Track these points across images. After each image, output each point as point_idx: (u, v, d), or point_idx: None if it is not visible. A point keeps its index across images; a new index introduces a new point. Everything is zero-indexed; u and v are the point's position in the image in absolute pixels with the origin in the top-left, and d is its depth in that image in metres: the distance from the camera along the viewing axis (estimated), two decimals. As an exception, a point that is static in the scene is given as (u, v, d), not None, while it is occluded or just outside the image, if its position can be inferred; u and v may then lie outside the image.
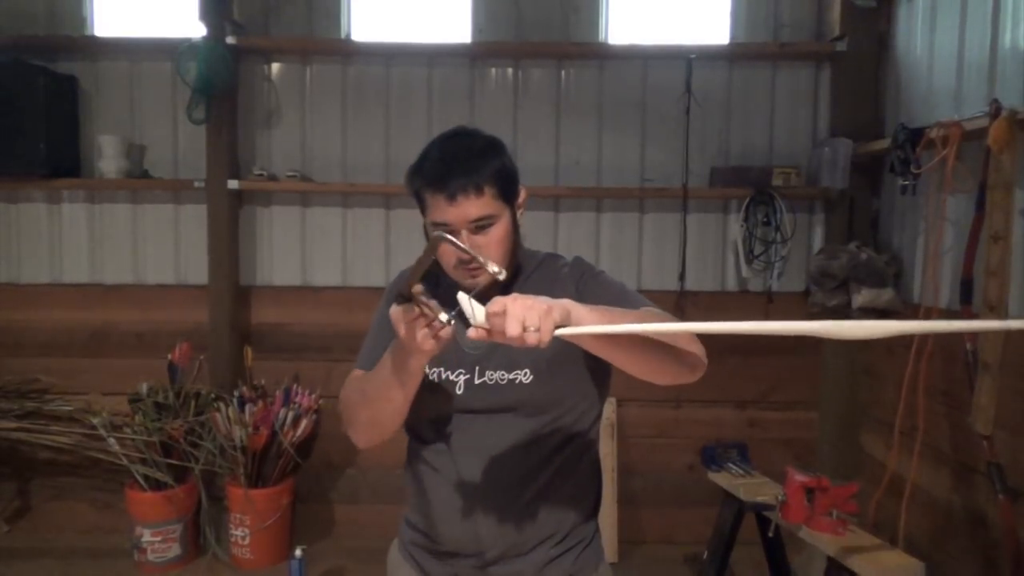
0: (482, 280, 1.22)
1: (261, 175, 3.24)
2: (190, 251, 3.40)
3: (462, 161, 1.18)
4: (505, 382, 1.23)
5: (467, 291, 1.25)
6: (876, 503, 2.65)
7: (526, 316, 0.91)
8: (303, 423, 3.13)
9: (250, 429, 2.99)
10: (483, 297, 1.28)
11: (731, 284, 3.37)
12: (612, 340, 1.02)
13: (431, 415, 1.27)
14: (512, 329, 0.91)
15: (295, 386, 3.22)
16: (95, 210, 3.41)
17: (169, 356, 3.15)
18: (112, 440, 3.05)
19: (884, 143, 2.79)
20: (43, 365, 3.36)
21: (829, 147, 3.09)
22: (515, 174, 1.26)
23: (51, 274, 3.43)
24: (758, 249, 3.25)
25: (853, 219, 3.10)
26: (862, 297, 2.84)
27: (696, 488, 3.26)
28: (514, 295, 0.95)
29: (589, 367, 1.27)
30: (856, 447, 3.14)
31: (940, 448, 2.50)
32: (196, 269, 3.38)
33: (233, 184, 3.23)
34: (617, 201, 3.35)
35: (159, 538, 3.05)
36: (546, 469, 1.26)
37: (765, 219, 3.20)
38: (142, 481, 3.07)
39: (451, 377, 1.25)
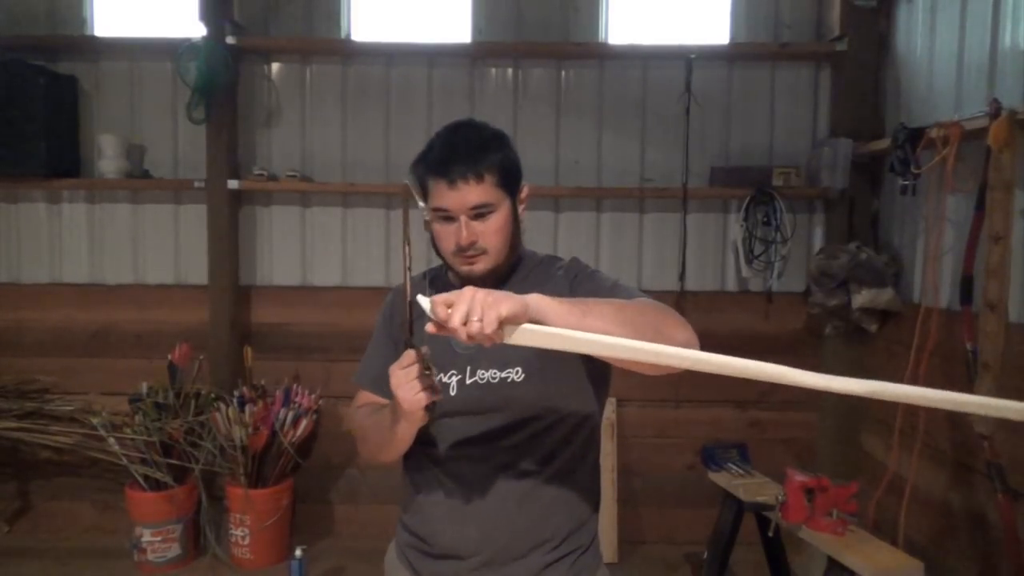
0: (479, 268, 1.24)
1: (261, 175, 3.24)
2: (190, 251, 3.40)
3: (465, 149, 1.21)
4: (497, 381, 1.23)
5: (464, 278, 1.25)
6: (876, 503, 2.65)
7: (470, 307, 0.90)
8: (303, 423, 3.13)
9: (250, 429, 2.99)
10: (478, 286, 1.28)
11: (731, 284, 3.37)
12: (583, 323, 0.98)
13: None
14: (455, 319, 0.90)
15: (295, 386, 3.22)
16: (95, 210, 3.41)
17: (169, 356, 3.14)
18: (112, 440, 3.05)
19: (884, 143, 2.79)
20: (43, 365, 3.36)
21: (829, 147, 3.09)
22: (517, 167, 1.28)
23: (51, 274, 3.43)
24: (758, 249, 3.25)
25: (853, 219, 3.10)
26: (862, 297, 2.85)
27: (696, 488, 3.26)
28: (469, 288, 0.94)
29: (586, 366, 1.26)
30: (856, 447, 3.14)
31: (940, 448, 2.50)
32: (196, 269, 3.38)
33: (233, 184, 3.23)
34: (617, 201, 3.35)
35: (159, 538, 3.05)
36: (542, 472, 1.25)
37: (765, 219, 3.20)
38: (142, 481, 3.07)
39: (443, 379, 1.24)
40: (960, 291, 2.29)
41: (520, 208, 1.30)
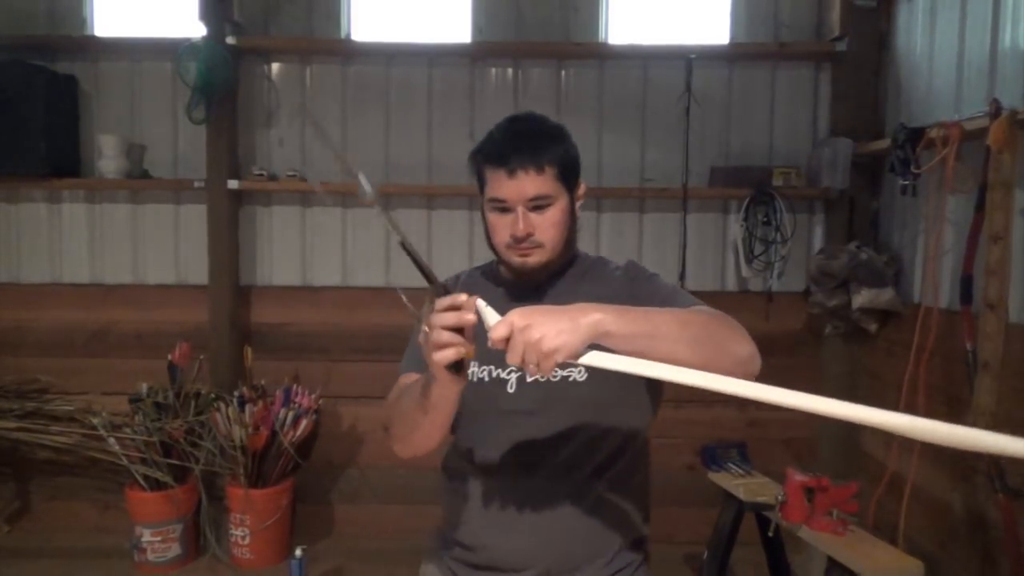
0: (532, 260, 1.21)
1: (261, 175, 3.24)
2: (190, 251, 3.40)
3: (526, 139, 1.18)
4: (558, 379, 1.19)
5: (517, 271, 1.24)
6: (876, 503, 2.65)
7: (526, 352, 0.89)
8: (303, 423, 3.13)
9: (250, 429, 2.99)
10: (531, 280, 1.24)
11: (731, 284, 3.37)
12: (648, 345, 0.95)
13: (478, 417, 1.22)
14: (511, 359, 0.90)
15: (295, 386, 3.22)
16: (95, 210, 3.41)
17: (169, 356, 3.14)
18: (112, 440, 3.05)
19: (884, 143, 2.79)
20: (43, 365, 3.36)
21: (829, 147, 3.09)
22: (577, 162, 1.26)
23: (51, 274, 3.43)
24: (758, 249, 3.25)
25: (853, 219, 3.10)
26: (862, 297, 2.85)
27: (696, 488, 3.25)
28: (530, 310, 0.91)
29: None
30: (856, 447, 3.14)
31: (940, 448, 2.49)
32: (196, 269, 3.38)
33: (233, 184, 3.23)
34: (617, 201, 3.35)
35: (159, 538, 3.05)
36: (598, 482, 1.21)
37: (765, 219, 3.20)
38: (142, 481, 3.07)
39: (502, 375, 1.21)
40: (960, 291, 2.29)
41: (576, 205, 1.27)
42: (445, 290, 0.95)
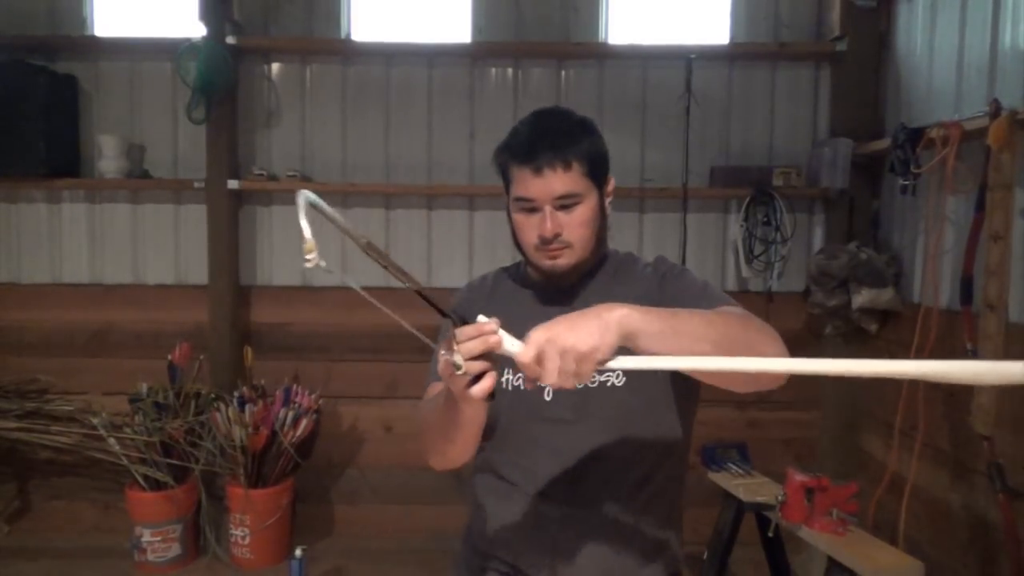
0: (562, 262, 1.17)
1: (261, 175, 3.24)
2: (190, 251, 3.40)
3: (552, 136, 1.14)
4: (596, 385, 1.16)
5: (547, 273, 1.20)
6: (876, 503, 2.65)
7: (563, 360, 0.85)
8: (303, 423, 3.13)
9: (250, 429, 2.99)
10: (561, 283, 1.22)
11: (731, 284, 3.37)
12: (673, 343, 0.92)
13: (514, 426, 1.19)
14: (548, 379, 0.86)
15: (295, 386, 3.22)
16: (95, 210, 3.41)
17: (169, 356, 3.14)
18: (112, 440, 3.05)
19: (884, 143, 2.79)
20: (43, 365, 3.36)
21: (829, 147, 3.09)
22: (606, 156, 1.21)
23: (51, 274, 3.43)
24: (758, 249, 3.25)
25: (853, 219, 3.10)
26: (862, 297, 2.85)
27: (696, 488, 3.22)
28: (550, 324, 0.87)
29: (672, 383, 1.19)
30: (856, 447, 3.14)
31: (940, 448, 2.50)
32: (196, 269, 3.38)
33: (233, 184, 3.23)
34: (617, 201, 3.29)
35: (159, 538, 3.05)
36: (634, 500, 1.18)
37: (765, 219, 3.20)
38: (142, 481, 3.07)
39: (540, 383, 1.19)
40: (960, 291, 2.29)
41: (606, 201, 1.23)
42: (463, 321, 0.92)
